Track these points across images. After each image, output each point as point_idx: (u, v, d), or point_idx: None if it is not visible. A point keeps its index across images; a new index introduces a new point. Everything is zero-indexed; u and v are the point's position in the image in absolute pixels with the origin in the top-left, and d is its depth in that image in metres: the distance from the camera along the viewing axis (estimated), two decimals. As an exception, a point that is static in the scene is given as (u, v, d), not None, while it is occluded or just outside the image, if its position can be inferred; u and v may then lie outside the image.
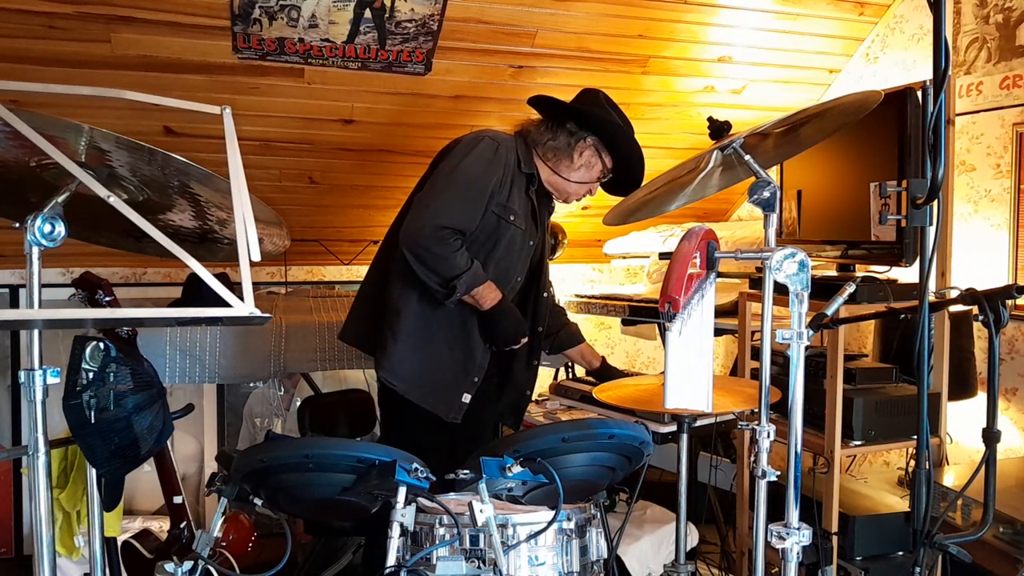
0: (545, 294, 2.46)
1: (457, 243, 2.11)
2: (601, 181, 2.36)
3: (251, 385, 3.81)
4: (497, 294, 2.20)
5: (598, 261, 4.54)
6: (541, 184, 2.33)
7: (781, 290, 1.48)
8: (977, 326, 2.71)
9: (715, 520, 3.28)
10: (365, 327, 2.37)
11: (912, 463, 2.49)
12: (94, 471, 1.88)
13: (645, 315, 3.24)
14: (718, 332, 3.15)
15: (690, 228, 1.48)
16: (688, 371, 1.45)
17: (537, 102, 2.29)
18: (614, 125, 2.27)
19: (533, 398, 2.78)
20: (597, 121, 2.26)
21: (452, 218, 2.11)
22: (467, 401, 2.28)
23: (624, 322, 3.61)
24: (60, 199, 1.24)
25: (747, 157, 1.69)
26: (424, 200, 2.16)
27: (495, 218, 2.20)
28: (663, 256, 3.46)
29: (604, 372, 2.63)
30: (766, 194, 1.61)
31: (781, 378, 1.68)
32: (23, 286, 3.61)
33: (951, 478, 2.41)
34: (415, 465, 1.54)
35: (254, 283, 1.16)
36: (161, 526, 2.87)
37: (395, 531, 1.52)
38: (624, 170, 2.33)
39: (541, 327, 2.45)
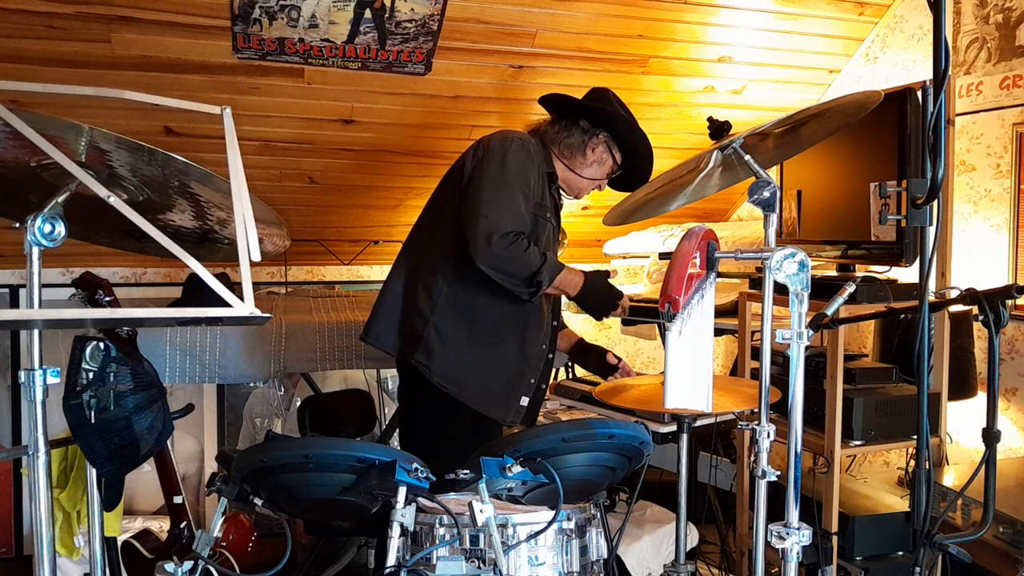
0: None
1: (524, 242, 2.12)
2: (611, 177, 2.40)
3: (251, 385, 3.81)
4: (579, 276, 2.22)
5: (598, 261, 4.54)
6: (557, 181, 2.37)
7: (781, 290, 1.48)
8: (977, 326, 2.71)
9: (715, 520, 3.28)
10: (393, 328, 2.33)
11: (912, 463, 2.49)
12: (94, 471, 1.88)
13: (645, 315, 3.24)
14: (718, 332, 3.15)
15: (690, 228, 1.48)
16: (688, 371, 1.45)
17: (549, 101, 2.32)
18: (627, 122, 2.31)
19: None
20: (611, 118, 2.30)
21: (512, 222, 2.12)
22: (525, 404, 2.31)
23: (624, 322, 3.61)
24: (60, 199, 1.24)
25: (747, 157, 1.69)
26: (479, 212, 2.12)
27: (533, 217, 2.23)
28: (663, 256, 3.46)
29: (584, 351, 2.61)
30: (766, 194, 1.61)
31: (781, 378, 1.68)
32: (23, 286, 3.61)
33: (951, 478, 2.41)
34: (415, 465, 1.54)
35: (254, 283, 1.16)
36: (161, 526, 2.87)
37: (395, 531, 1.52)
38: (632, 166, 2.38)
39: (556, 321, 2.47)
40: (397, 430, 3.44)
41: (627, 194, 2.26)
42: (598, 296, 2.26)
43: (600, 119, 2.31)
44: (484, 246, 2.09)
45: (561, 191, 2.41)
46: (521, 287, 2.14)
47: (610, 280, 2.29)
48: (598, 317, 2.34)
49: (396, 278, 2.35)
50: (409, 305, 2.29)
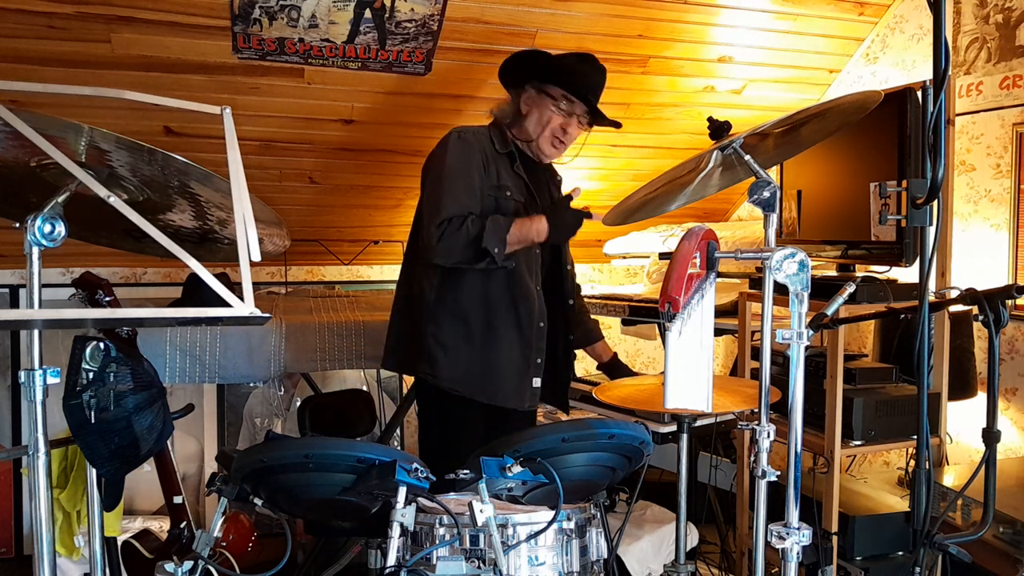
0: (569, 267, 2.50)
1: (459, 222, 2.15)
2: (562, 110, 2.30)
3: (251, 385, 3.81)
4: (539, 222, 2.21)
5: (598, 261, 4.54)
6: (527, 158, 2.38)
7: (781, 290, 1.48)
8: (977, 326, 2.71)
9: (715, 520, 3.28)
10: (399, 346, 2.39)
11: (912, 463, 2.49)
12: (94, 471, 1.88)
13: (645, 315, 3.24)
14: (718, 332, 3.15)
15: (690, 228, 1.48)
16: (688, 371, 1.45)
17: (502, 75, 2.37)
18: (536, 58, 2.30)
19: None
20: (521, 68, 2.31)
21: (448, 209, 2.16)
22: (538, 386, 2.33)
23: (624, 322, 3.61)
24: (60, 199, 1.24)
25: (747, 157, 1.69)
26: (425, 213, 2.24)
27: (492, 199, 2.26)
28: (663, 256, 3.46)
29: (613, 367, 2.67)
30: (766, 194, 1.61)
31: (781, 378, 1.68)
32: (23, 286, 3.61)
33: (951, 478, 2.41)
34: (415, 465, 1.54)
35: (254, 283, 1.16)
36: (161, 526, 2.87)
37: (395, 531, 1.52)
38: (576, 82, 2.28)
39: (572, 300, 2.48)
40: (397, 430, 3.44)
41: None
42: (567, 228, 2.26)
43: (516, 75, 2.32)
44: (428, 241, 2.16)
45: (543, 167, 2.42)
46: (481, 263, 2.17)
47: (572, 203, 2.26)
48: (563, 240, 2.38)
49: (396, 298, 2.42)
50: (406, 320, 2.35)
